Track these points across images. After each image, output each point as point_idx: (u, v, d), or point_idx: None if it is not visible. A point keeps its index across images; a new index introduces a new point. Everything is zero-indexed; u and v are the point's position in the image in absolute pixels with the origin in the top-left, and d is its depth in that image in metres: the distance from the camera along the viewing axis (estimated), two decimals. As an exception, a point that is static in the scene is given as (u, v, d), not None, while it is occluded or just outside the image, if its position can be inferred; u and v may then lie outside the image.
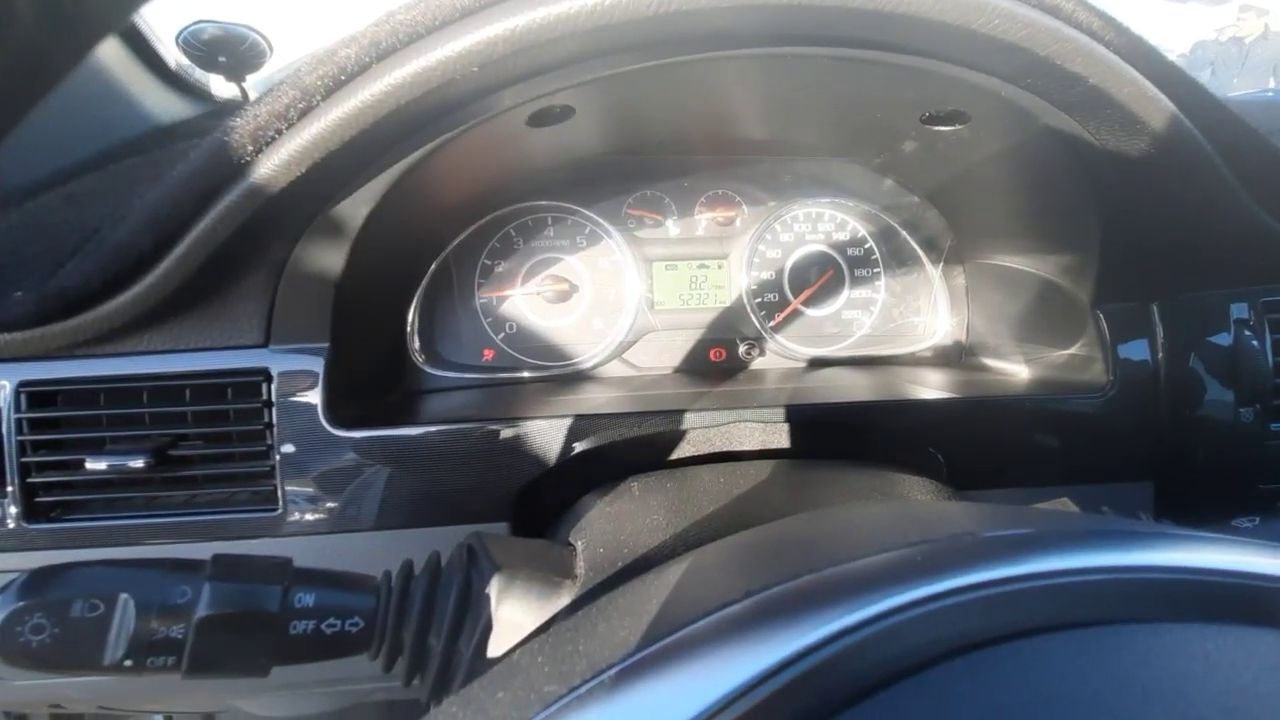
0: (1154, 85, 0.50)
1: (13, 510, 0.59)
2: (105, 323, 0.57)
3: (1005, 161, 0.65)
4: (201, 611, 0.35)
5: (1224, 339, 0.70)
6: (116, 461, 0.59)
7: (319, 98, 0.46)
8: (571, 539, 0.50)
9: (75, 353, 0.60)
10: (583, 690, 0.21)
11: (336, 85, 0.46)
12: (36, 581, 0.34)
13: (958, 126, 0.60)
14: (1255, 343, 0.69)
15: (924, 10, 0.44)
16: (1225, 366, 0.70)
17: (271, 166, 0.48)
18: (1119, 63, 0.49)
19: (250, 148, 0.48)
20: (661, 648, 0.22)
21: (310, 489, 0.61)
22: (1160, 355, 0.70)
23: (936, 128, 0.61)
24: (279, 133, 0.47)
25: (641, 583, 0.32)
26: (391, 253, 0.70)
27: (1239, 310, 0.70)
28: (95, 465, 0.59)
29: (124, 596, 0.34)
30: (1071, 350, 0.76)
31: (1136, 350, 0.71)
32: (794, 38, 0.48)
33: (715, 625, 0.22)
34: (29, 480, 0.59)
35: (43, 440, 0.60)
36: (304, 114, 0.47)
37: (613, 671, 0.21)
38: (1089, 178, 0.60)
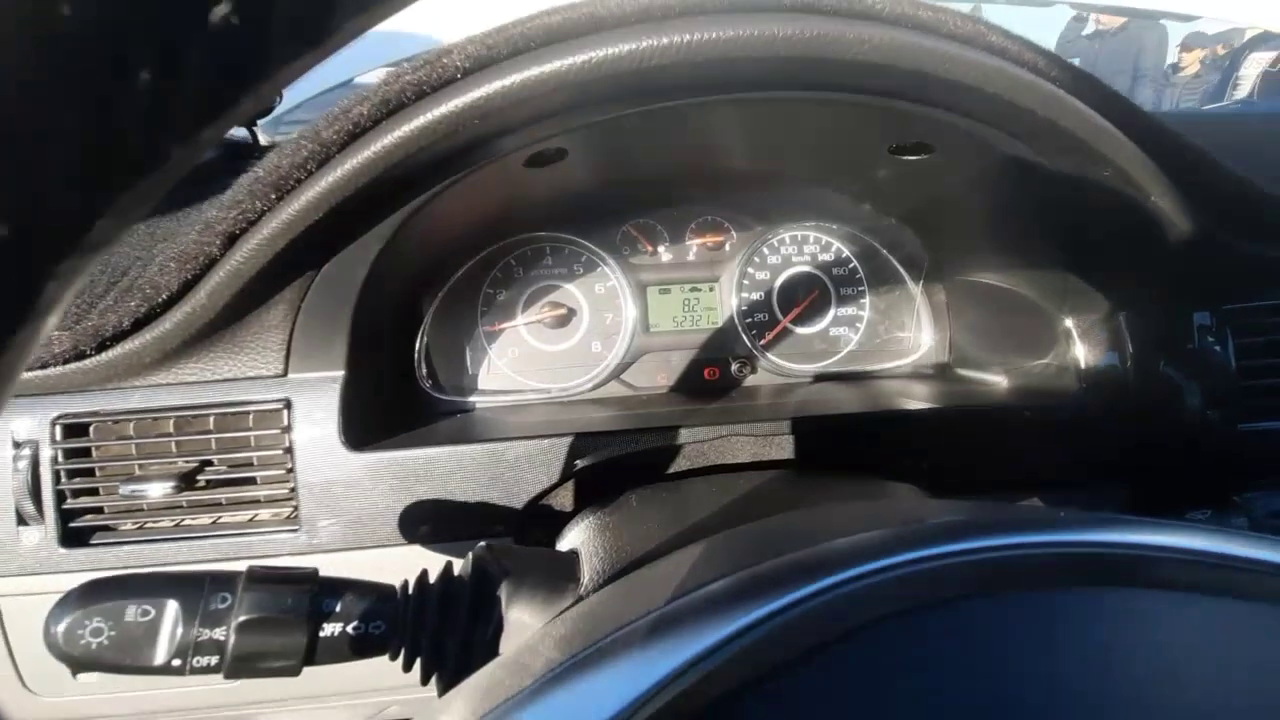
0: (1097, 113, 0.55)
1: (50, 536, 0.63)
2: (135, 358, 0.61)
3: (970, 186, 0.70)
4: (240, 616, 0.39)
5: (1189, 346, 0.74)
6: (145, 488, 0.63)
7: (335, 150, 0.51)
8: (574, 548, 0.54)
9: (106, 386, 0.64)
10: (598, 646, 0.25)
11: (351, 139, 0.51)
12: (93, 590, 0.38)
13: (924, 156, 0.65)
14: (1219, 348, 0.73)
15: (885, 58, 0.49)
16: (1191, 372, 0.74)
17: (292, 211, 0.52)
18: (1064, 95, 0.54)
19: (273, 195, 0.53)
20: (658, 615, 0.26)
21: (328, 509, 0.64)
22: (1129, 363, 0.74)
23: (904, 157, 0.66)
24: (299, 181, 0.52)
25: (635, 575, 0.35)
26: (401, 285, 0.75)
27: (1201, 318, 0.74)
28: (126, 491, 0.63)
29: (172, 602, 0.38)
30: (1046, 360, 0.80)
31: (1107, 359, 0.75)
32: (764, 84, 0.53)
33: (696, 600, 0.26)
34: (64, 507, 0.63)
35: (76, 469, 0.64)
36: (322, 164, 0.51)
37: (610, 639, 0.25)
38: (1046, 199, 0.65)
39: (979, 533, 0.27)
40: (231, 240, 0.54)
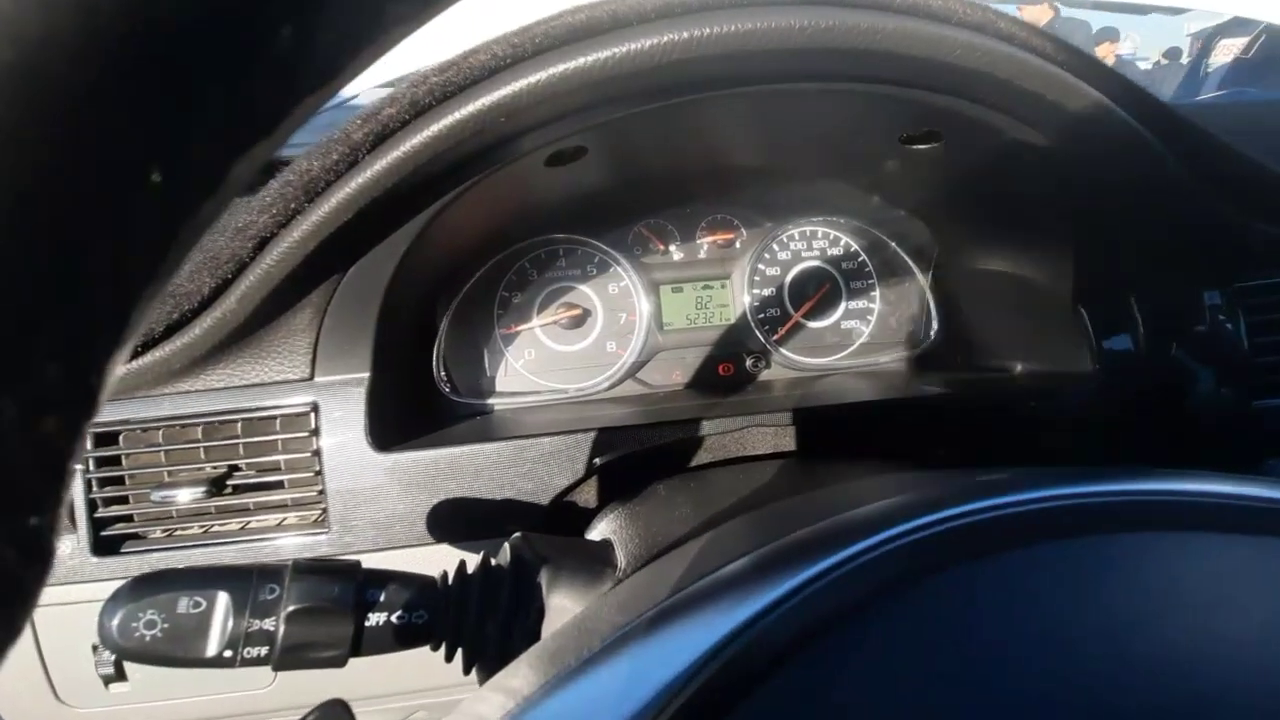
0: (1105, 96, 0.56)
1: (83, 545, 0.63)
2: (165, 365, 0.62)
3: (979, 173, 0.71)
4: (290, 606, 0.39)
5: (1201, 325, 0.75)
6: (175, 494, 0.63)
7: (364, 152, 0.52)
8: (605, 537, 0.54)
9: (135, 394, 0.65)
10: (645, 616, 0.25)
11: (380, 140, 0.52)
12: (144, 584, 0.38)
13: (933, 145, 0.66)
14: (1230, 326, 0.74)
15: (898, 46, 0.50)
16: (1204, 350, 0.75)
17: (322, 214, 0.53)
18: (1072, 79, 0.55)
19: (303, 197, 0.54)
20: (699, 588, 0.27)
21: (357, 510, 0.65)
22: (1142, 344, 0.75)
23: (914, 147, 0.67)
24: (328, 184, 0.53)
25: (677, 552, 0.36)
26: (420, 289, 0.76)
27: (1212, 298, 0.75)
28: (157, 498, 0.63)
29: (223, 594, 0.38)
30: (1059, 345, 0.80)
31: (1119, 341, 0.76)
32: (780, 76, 0.55)
33: (746, 565, 0.27)
34: (95, 516, 0.63)
35: (107, 477, 0.64)
36: (351, 166, 0.53)
37: (653, 612, 0.26)
38: (1055, 184, 0.66)
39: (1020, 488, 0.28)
40: (263, 244, 0.55)
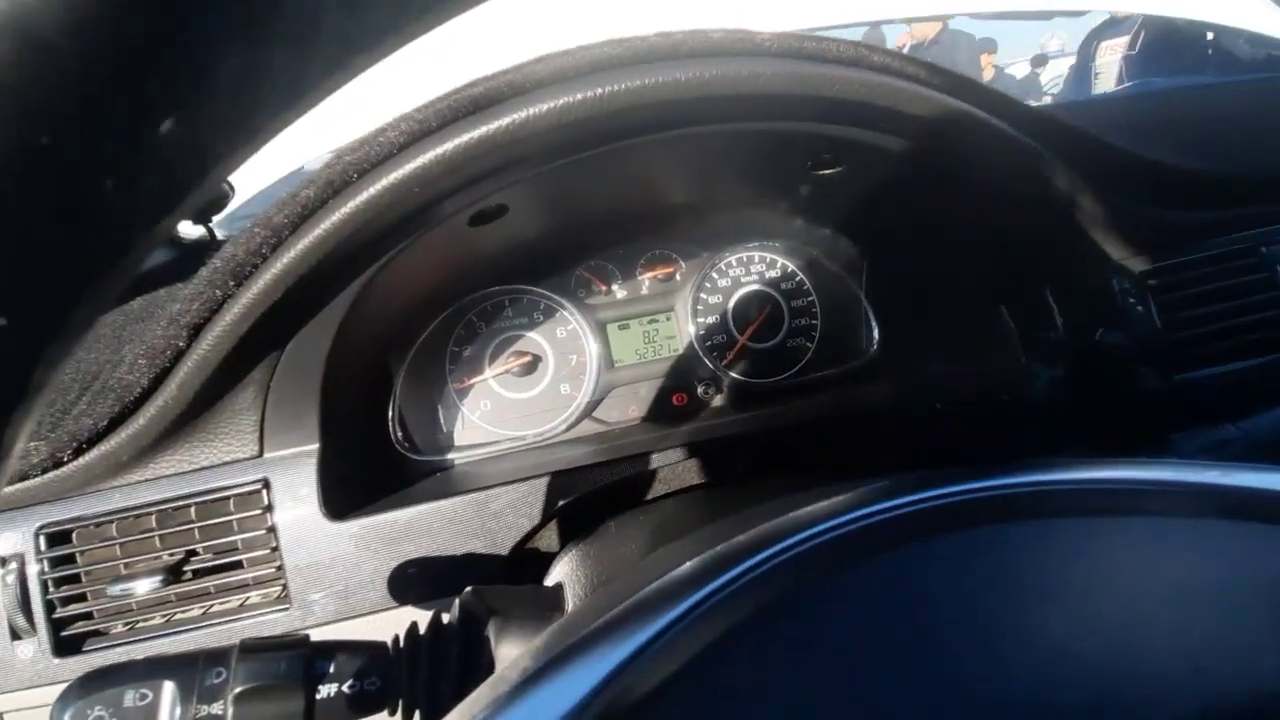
0: (981, 110, 0.61)
1: (44, 648, 0.62)
2: (112, 458, 0.62)
3: (883, 191, 0.75)
4: (236, 688, 0.40)
5: (1114, 309, 0.79)
6: (132, 586, 0.63)
7: (287, 233, 0.54)
8: (559, 581, 0.55)
9: (85, 490, 0.65)
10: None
11: (301, 220, 0.54)
12: (91, 680, 0.39)
13: (837, 169, 0.70)
14: (1140, 309, 0.79)
15: (777, 88, 0.54)
16: (1121, 334, 0.79)
17: (252, 295, 0.55)
18: (947, 99, 0.60)
19: (231, 282, 0.55)
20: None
21: (317, 583, 0.65)
22: (1064, 334, 0.79)
23: (821, 172, 0.71)
24: (255, 267, 0.55)
25: (603, 587, 0.38)
26: (367, 352, 0.77)
27: (1121, 283, 0.79)
28: (114, 592, 0.63)
29: (169, 683, 0.39)
30: (990, 342, 0.84)
31: (1042, 333, 0.79)
32: (679, 122, 0.58)
33: (651, 593, 0.29)
34: (54, 616, 0.63)
35: (63, 577, 0.64)
36: (275, 248, 0.54)
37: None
38: (954, 193, 0.70)
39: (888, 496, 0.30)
40: (196, 330, 0.57)
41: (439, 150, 0.51)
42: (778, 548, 0.27)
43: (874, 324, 0.98)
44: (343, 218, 0.53)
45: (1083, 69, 3.68)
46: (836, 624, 0.26)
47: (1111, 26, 3.55)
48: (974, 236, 0.78)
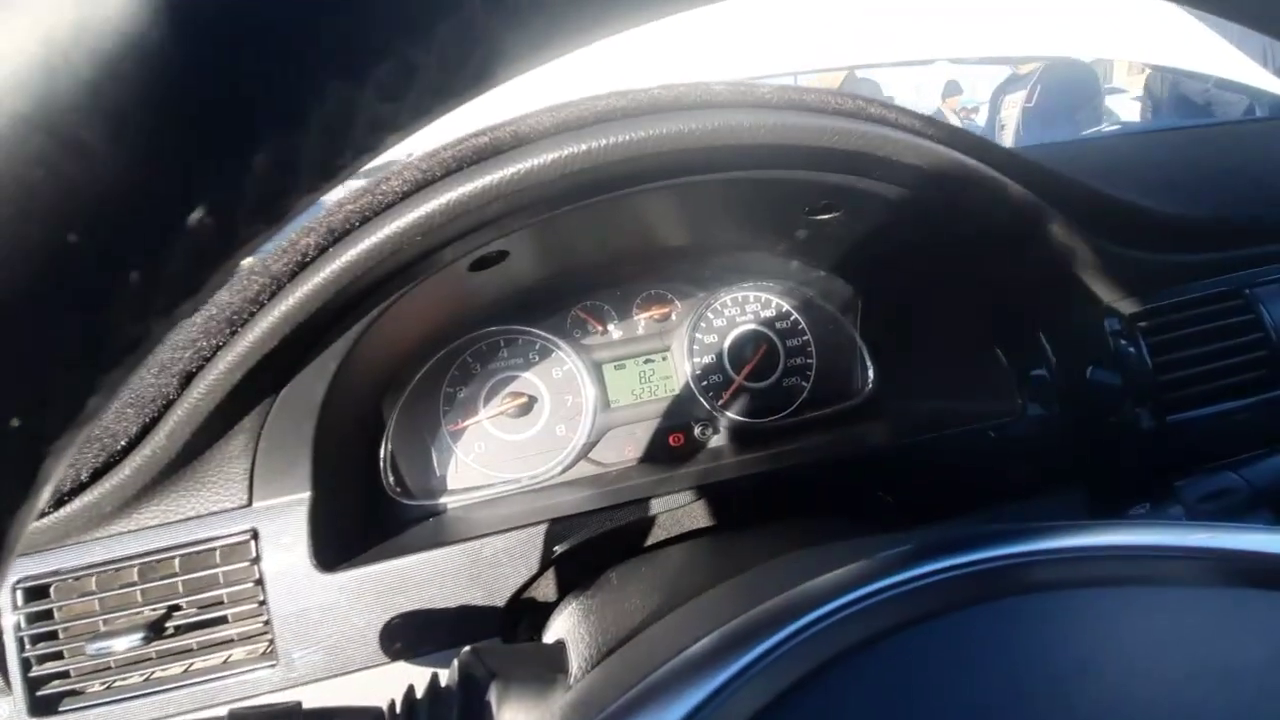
0: (975, 160, 0.62)
1: (19, 707, 0.59)
2: (95, 509, 0.60)
3: (878, 236, 0.76)
4: (225, 763, 0.38)
5: (1106, 350, 0.80)
6: (111, 644, 0.61)
7: (285, 280, 0.53)
8: (560, 637, 0.53)
9: (65, 542, 0.63)
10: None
11: (300, 268, 0.53)
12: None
13: (834, 215, 0.71)
14: (1132, 350, 0.79)
15: (778, 138, 0.55)
16: (1113, 374, 0.79)
17: (247, 344, 0.54)
18: (944, 150, 0.61)
19: (227, 330, 0.54)
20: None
21: (305, 638, 0.63)
22: (1057, 374, 0.79)
23: (818, 218, 0.72)
24: (251, 315, 0.54)
25: (619, 654, 0.36)
26: (361, 396, 0.76)
27: (1112, 324, 0.80)
28: (92, 650, 0.60)
29: (152, 761, 0.37)
30: (985, 382, 0.84)
31: (1036, 373, 0.80)
32: (681, 171, 0.59)
33: (677, 666, 0.28)
34: (30, 675, 0.60)
35: (40, 633, 0.61)
36: (273, 296, 0.54)
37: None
38: (949, 238, 0.71)
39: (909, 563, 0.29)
40: (188, 379, 0.55)
41: (443, 199, 0.51)
42: (801, 623, 0.26)
43: (869, 363, 0.98)
44: (343, 266, 0.52)
45: (991, 121, 3.87)
46: (863, 703, 0.25)
47: (1014, 82, 3.73)
48: (969, 278, 0.79)
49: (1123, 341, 0.80)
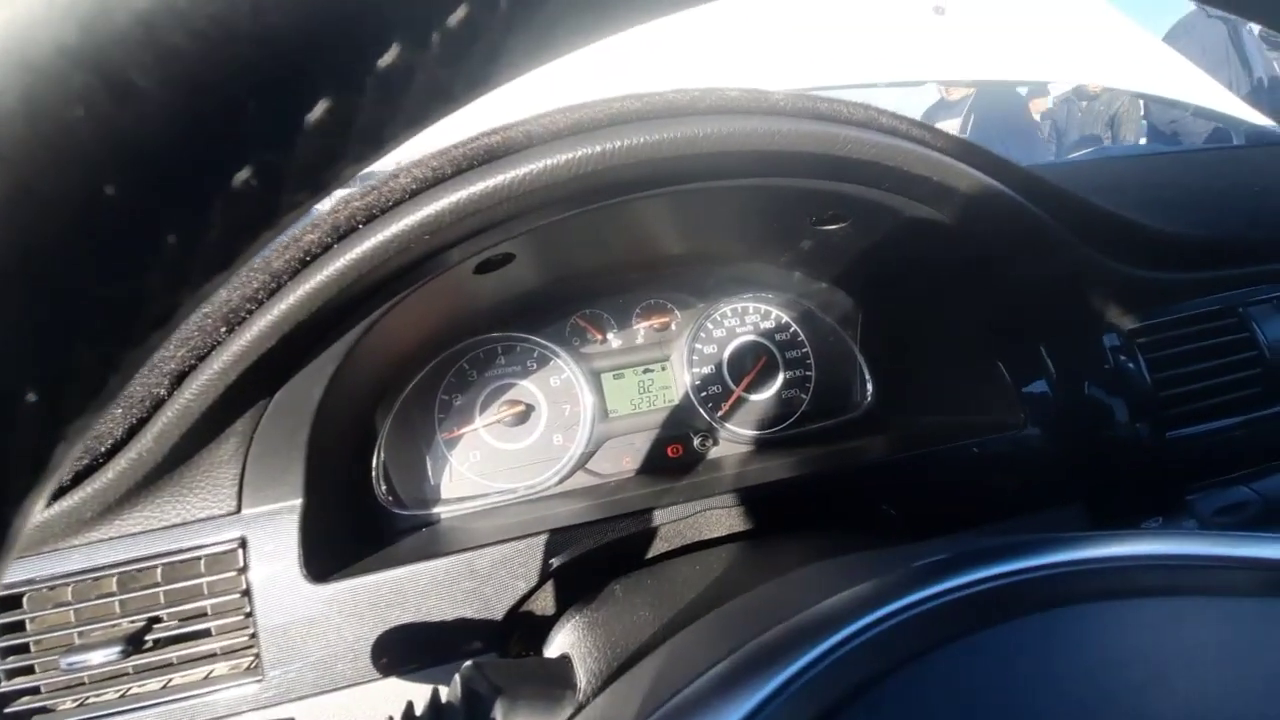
0: (984, 174, 0.62)
1: None
2: (75, 515, 0.58)
3: (885, 248, 0.76)
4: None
5: (1105, 366, 0.80)
6: (86, 658, 0.57)
7: (286, 278, 0.52)
8: (564, 651, 0.52)
9: (41, 550, 0.60)
10: None
11: (302, 266, 0.52)
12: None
13: (841, 225, 0.71)
14: (1131, 365, 0.80)
15: (791, 145, 0.54)
16: (1113, 389, 0.80)
17: (243, 343, 0.52)
18: (954, 163, 0.61)
19: (223, 329, 0.52)
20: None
21: (294, 650, 0.60)
22: (1057, 389, 0.79)
23: (824, 228, 0.72)
24: (249, 313, 0.52)
25: (635, 671, 0.35)
26: (356, 402, 0.74)
27: (1111, 340, 0.81)
28: (65, 664, 0.57)
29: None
30: (985, 396, 0.84)
31: (1037, 387, 0.80)
32: (691, 177, 0.58)
33: (703, 687, 0.26)
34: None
35: (10, 646, 0.58)
36: (272, 294, 0.52)
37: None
38: (953, 253, 0.71)
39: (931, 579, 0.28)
40: (180, 379, 0.53)
41: (454, 198, 0.50)
42: (841, 635, 0.25)
43: (868, 376, 0.98)
44: (348, 263, 0.51)
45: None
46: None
47: (943, 109, 3.78)
48: (967, 293, 0.79)
49: (1122, 357, 0.80)
